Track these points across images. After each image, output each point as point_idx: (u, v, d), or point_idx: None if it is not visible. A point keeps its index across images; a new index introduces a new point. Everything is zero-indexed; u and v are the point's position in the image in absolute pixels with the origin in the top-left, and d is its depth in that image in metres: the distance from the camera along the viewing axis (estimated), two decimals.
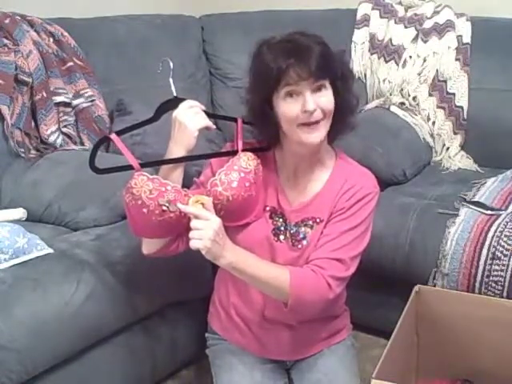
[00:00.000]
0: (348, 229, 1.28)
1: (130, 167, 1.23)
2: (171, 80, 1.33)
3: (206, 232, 1.15)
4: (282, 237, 1.35)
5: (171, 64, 1.34)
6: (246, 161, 1.30)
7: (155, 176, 1.22)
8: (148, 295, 1.58)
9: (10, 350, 1.29)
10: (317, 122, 1.23)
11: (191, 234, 1.16)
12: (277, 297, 1.28)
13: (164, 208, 1.19)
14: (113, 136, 1.26)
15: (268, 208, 1.35)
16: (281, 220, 1.35)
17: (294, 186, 1.35)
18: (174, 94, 1.32)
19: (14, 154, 1.90)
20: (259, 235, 1.34)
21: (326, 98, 1.23)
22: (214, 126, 1.33)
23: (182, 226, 1.23)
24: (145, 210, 1.19)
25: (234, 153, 1.33)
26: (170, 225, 1.22)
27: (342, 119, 1.29)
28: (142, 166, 1.24)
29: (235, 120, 1.36)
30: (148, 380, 1.71)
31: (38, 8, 2.17)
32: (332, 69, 1.22)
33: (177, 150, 1.27)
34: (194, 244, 1.16)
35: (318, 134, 1.24)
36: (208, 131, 1.33)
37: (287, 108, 1.22)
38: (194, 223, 1.16)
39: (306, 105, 1.20)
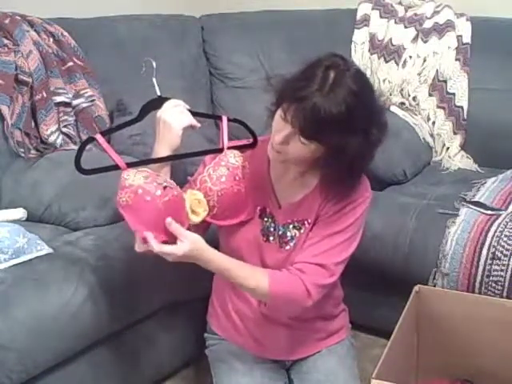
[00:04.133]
0: (332, 233, 1.27)
1: (116, 167, 1.21)
2: (154, 80, 1.32)
3: (171, 257, 1.16)
4: (271, 237, 1.35)
5: (154, 64, 1.33)
6: (233, 157, 1.31)
7: (143, 169, 1.21)
8: (148, 295, 1.58)
9: (10, 350, 1.29)
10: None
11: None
12: (258, 298, 1.34)
13: (165, 184, 1.17)
14: (98, 136, 1.24)
15: (258, 208, 1.35)
16: (270, 220, 1.35)
17: (285, 187, 1.35)
18: (158, 94, 1.32)
19: (14, 154, 1.90)
20: (249, 234, 1.35)
21: (294, 148, 1.18)
22: (199, 125, 1.32)
23: (183, 209, 1.21)
24: (148, 198, 1.14)
25: (220, 150, 1.33)
26: (176, 205, 1.18)
27: (330, 175, 1.26)
28: (129, 165, 1.22)
29: (220, 118, 1.36)
30: (148, 380, 1.71)
31: (38, 8, 2.17)
32: (324, 137, 1.15)
33: (162, 149, 1.27)
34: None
35: (276, 156, 1.23)
36: (193, 130, 1.32)
37: (274, 121, 1.21)
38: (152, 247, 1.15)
39: (274, 136, 1.20)
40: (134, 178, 1.17)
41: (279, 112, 1.18)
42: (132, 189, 1.16)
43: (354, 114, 1.13)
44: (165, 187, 1.17)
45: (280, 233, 1.34)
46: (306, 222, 1.32)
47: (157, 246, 1.14)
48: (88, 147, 1.25)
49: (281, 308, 1.30)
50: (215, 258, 1.22)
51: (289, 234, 1.34)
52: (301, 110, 1.12)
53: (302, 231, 1.32)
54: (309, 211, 1.31)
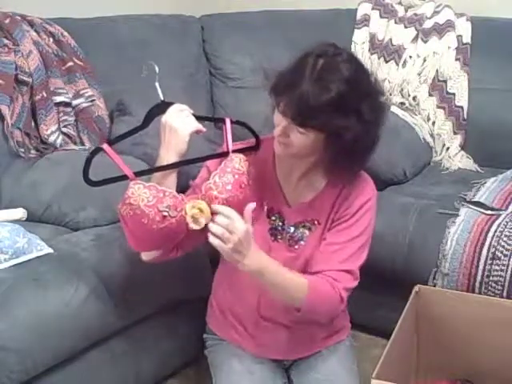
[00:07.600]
0: (353, 237, 1.30)
1: (124, 177, 1.20)
2: (157, 84, 1.29)
3: (230, 238, 1.13)
4: (279, 236, 1.35)
5: (157, 68, 1.30)
6: (239, 162, 1.28)
7: (151, 183, 1.20)
8: (148, 295, 1.58)
9: (10, 350, 1.29)
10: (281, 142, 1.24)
11: (215, 230, 1.13)
12: (290, 304, 1.30)
13: (165, 214, 1.16)
14: (105, 146, 1.21)
15: (266, 207, 1.35)
16: (278, 220, 1.35)
17: (292, 187, 1.35)
18: (161, 98, 1.29)
19: (14, 154, 1.90)
20: (257, 235, 1.33)
21: (295, 139, 1.20)
22: (205, 129, 1.30)
23: (182, 232, 1.20)
24: (144, 220, 1.15)
25: (225, 154, 1.31)
26: (171, 231, 1.18)
27: (333, 163, 1.25)
28: (137, 174, 1.21)
29: (223, 121, 1.34)
30: (148, 380, 1.71)
31: (38, 8, 2.17)
32: (317, 123, 1.16)
33: (169, 155, 1.24)
34: (215, 243, 1.14)
35: (283, 150, 1.25)
36: (198, 134, 1.30)
37: (274, 116, 1.23)
38: (220, 220, 1.13)
39: (275, 130, 1.22)
40: (137, 194, 1.16)
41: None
42: (132, 207, 1.16)
43: (344, 99, 1.14)
44: (164, 216, 1.16)
45: (290, 232, 1.35)
46: (316, 222, 1.33)
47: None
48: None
49: (317, 312, 1.30)
50: (261, 255, 1.21)
51: (299, 233, 1.34)
52: (291, 99, 1.14)
53: (312, 231, 1.33)
54: (320, 211, 1.33)
